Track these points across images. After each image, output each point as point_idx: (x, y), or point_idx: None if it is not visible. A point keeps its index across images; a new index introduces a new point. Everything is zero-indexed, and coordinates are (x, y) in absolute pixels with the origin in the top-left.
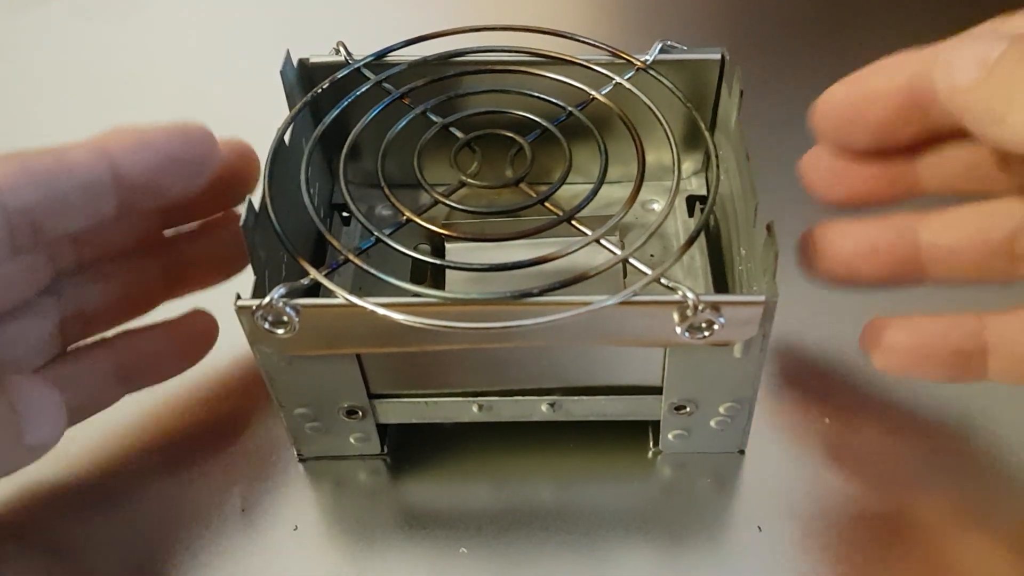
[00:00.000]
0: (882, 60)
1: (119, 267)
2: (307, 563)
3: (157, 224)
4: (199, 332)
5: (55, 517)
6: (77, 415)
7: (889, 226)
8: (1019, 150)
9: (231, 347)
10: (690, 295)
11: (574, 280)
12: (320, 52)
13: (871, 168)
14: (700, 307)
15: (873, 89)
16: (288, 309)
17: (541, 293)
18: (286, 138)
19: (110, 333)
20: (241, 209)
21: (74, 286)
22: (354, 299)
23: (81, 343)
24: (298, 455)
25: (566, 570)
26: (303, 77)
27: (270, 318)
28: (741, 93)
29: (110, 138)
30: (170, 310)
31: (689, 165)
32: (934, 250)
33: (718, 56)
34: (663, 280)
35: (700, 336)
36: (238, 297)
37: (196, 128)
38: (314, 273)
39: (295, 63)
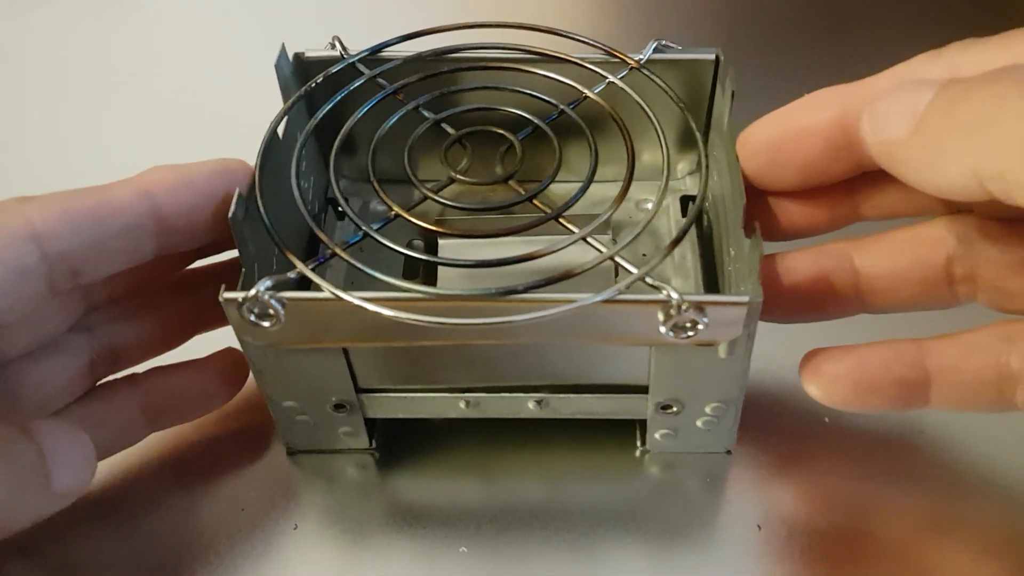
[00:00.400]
0: (808, 96)
1: (152, 302)
2: (303, 559)
3: (190, 258)
4: (229, 370)
5: (55, 518)
6: (102, 454)
7: (827, 253)
8: (957, 198)
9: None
10: (674, 295)
11: (560, 278)
12: (316, 48)
13: (806, 202)
14: (684, 307)
15: (799, 127)
16: (274, 302)
17: (526, 290)
18: (279, 131)
19: (139, 370)
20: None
21: (106, 322)
22: (340, 293)
23: (109, 379)
24: (287, 448)
25: (561, 568)
26: (298, 72)
27: (256, 310)
28: (733, 94)
29: (151, 177)
30: (200, 348)
31: (685, 165)
32: (872, 279)
33: (712, 56)
34: (648, 279)
35: (684, 336)
36: (223, 289)
37: (236, 164)
38: (300, 266)
39: (290, 58)
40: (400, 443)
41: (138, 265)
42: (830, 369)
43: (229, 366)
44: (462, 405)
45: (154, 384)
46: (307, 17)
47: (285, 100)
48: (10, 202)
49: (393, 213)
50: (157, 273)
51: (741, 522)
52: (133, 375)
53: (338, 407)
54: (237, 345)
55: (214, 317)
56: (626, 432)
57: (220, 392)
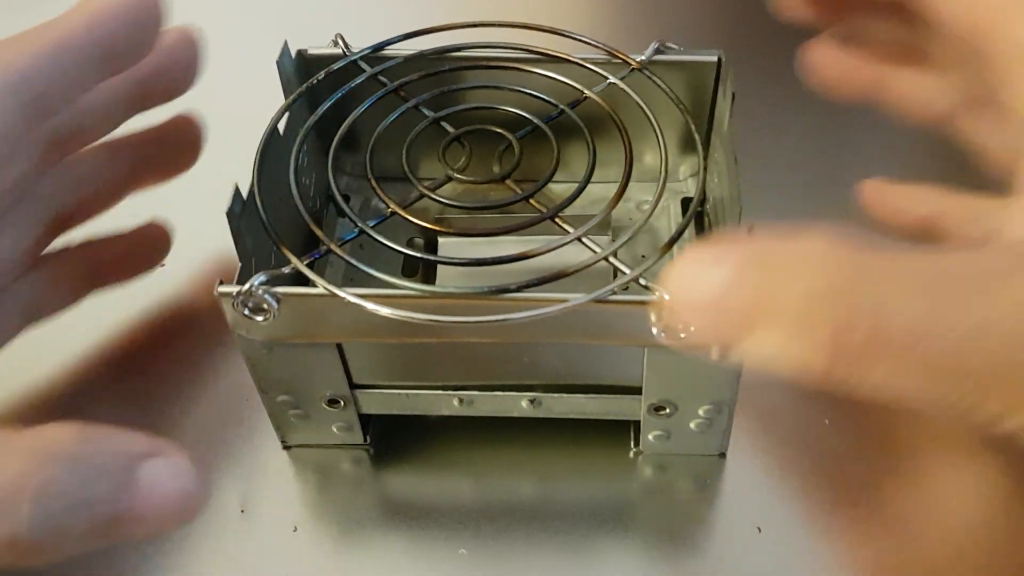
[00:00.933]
0: None
1: (94, 162)
2: (299, 553)
3: (120, 117)
4: (155, 239)
5: None
6: (42, 315)
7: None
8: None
9: (228, 347)
10: (666, 296)
11: (553, 277)
12: (319, 45)
13: None
14: None
15: None
16: (268, 297)
17: (519, 289)
18: (280, 127)
19: (76, 241)
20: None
21: (55, 189)
22: (333, 289)
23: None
24: (282, 443)
25: (552, 568)
26: (300, 69)
27: (250, 304)
28: (733, 96)
29: (87, 6)
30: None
31: (687, 167)
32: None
33: (715, 58)
34: (642, 280)
35: (677, 337)
36: (220, 283)
37: None
38: (295, 262)
39: (293, 55)
40: (395, 439)
41: (82, 120)
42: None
43: (155, 234)
44: (455, 402)
45: (89, 252)
46: (309, 15)
47: (286, 97)
48: None
49: (390, 210)
50: (97, 132)
51: (735, 524)
52: (67, 248)
53: (332, 402)
54: None
55: (143, 178)
56: (620, 433)
57: (148, 258)
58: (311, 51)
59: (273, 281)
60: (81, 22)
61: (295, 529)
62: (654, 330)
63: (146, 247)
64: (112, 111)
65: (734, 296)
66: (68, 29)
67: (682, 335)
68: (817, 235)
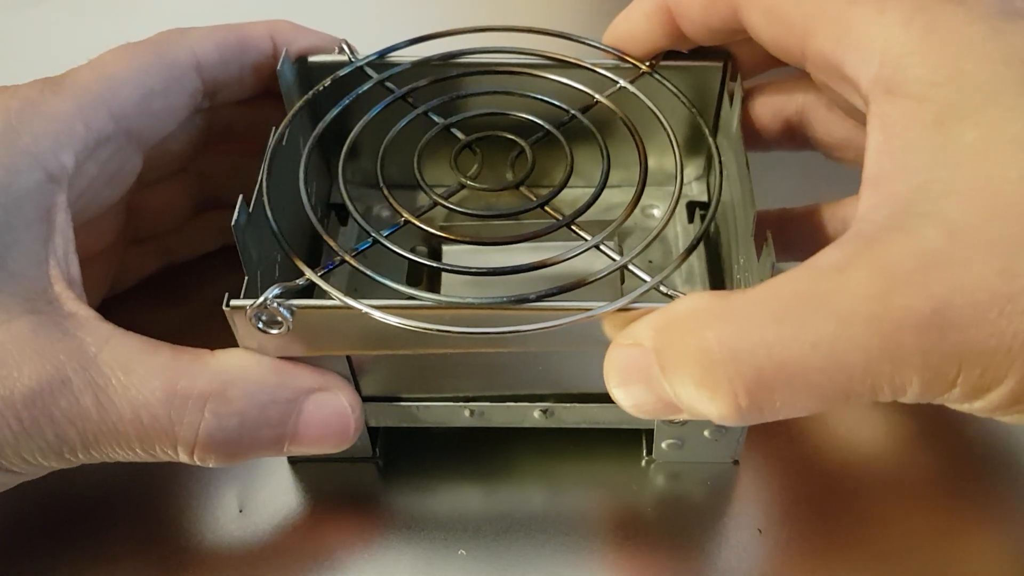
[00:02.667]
0: None
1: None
2: (305, 566)
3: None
4: None
5: (56, 517)
6: (179, 258)
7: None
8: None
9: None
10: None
11: (573, 286)
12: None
13: None
14: None
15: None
16: (282, 310)
17: (539, 299)
18: (284, 136)
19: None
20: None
21: (209, 168)
22: (350, 301)
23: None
24: (288, 457)
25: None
26: (301, 76)
27: (264, 318)
28: (743, 100)
29: (276, 25)
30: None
31: (690, 171)
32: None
33: (721, 62)
34: (662, 288)
35: None
36: (228, 299)
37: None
38: (309, 273)
39: (293, 62)
40: (403, 451)
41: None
42: None
43: None
44: (466, 414)
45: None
46: (313, 21)
47: (287, 104)
48: (173, 34)
49: (403, 219)
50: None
51: (745, 531)
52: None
53: None
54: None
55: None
56: (631, 442)
57: None
58: (312, 58)
59: (286, 294)
60: (266, 31)
61: (294, 529)
62: None
63: None
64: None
65: (655, 378)
66: (252, 35)
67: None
68: (689, 300)
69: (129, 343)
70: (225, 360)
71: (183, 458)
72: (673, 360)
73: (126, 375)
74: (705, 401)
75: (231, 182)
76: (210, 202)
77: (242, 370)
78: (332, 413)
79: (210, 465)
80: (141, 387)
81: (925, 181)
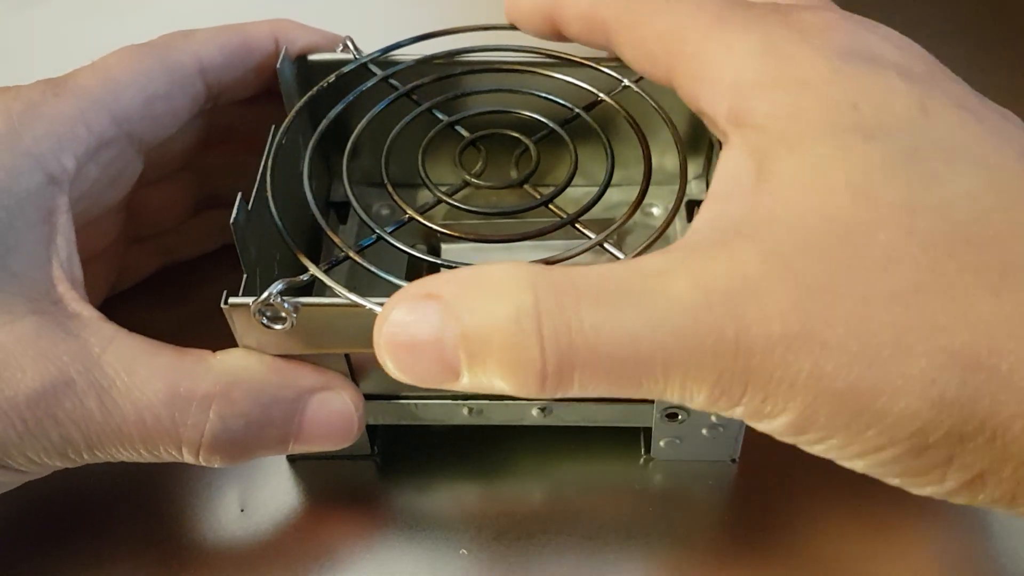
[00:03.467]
0: None
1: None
2: (305, 564)
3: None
4: None
5: (57, 516)
6: (179, 257)
7: None
8: None
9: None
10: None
11: None
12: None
13: None
14: None
15: None
16: (286, 305)
17: None
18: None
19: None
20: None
21: (210, 165)
22: (354, 298)
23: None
24: (287, 456)
25: (564, 575)
26: (301, 74)
27: (268, 314)
28: None
29: (280, 24)
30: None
31: (690, 170)
32: None
33: None
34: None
35: None
36: (227, 296)
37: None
38: (313, 269)
39: (293, 60)
40: (402, 449)
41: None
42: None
43: None
44: (465, 412)
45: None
46: (317, 19)
47: (287, 103)
48: (177, 37)
49: (407, 216)
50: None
51: (745, 530)
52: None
53: None
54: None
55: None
56: (630, 440)
57: None
58: (312, 56)
59: (290, 290)
60: (269, 32)
61: (295, 528)
62: None
63: None
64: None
65: (449, 336)
66: (256, 35)
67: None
68: (508, 264)
69: (133, 344)
70: (227, 361)
71: (188, 459)
72: (478, 320)
73: (129, 376)
74: (506, 369)
75: (231, 180)
76: (210, 200)
77: (245, 370)
78: (336, 411)
79: (215, 466)
80: (144, 388)
81: (753, 205)
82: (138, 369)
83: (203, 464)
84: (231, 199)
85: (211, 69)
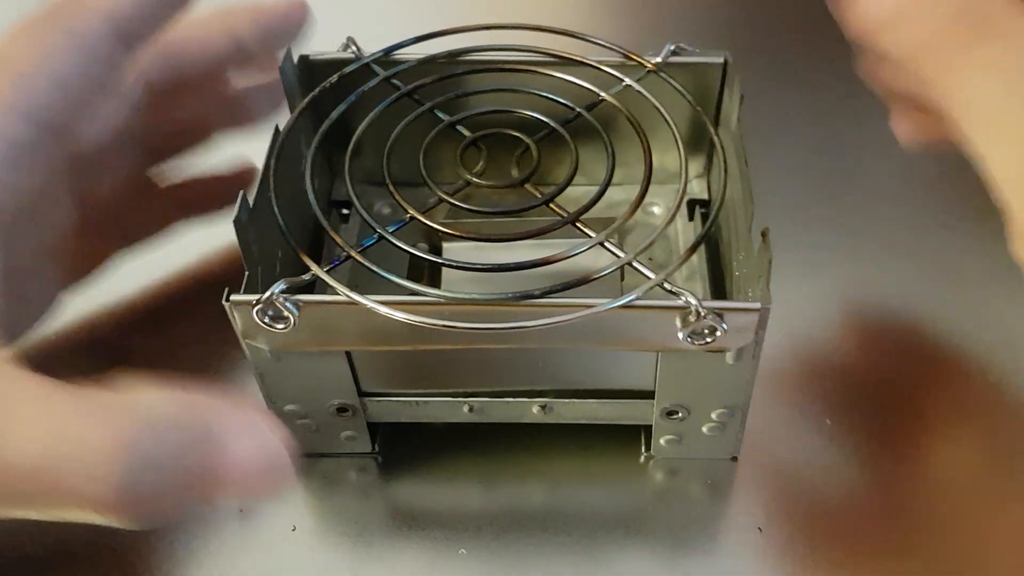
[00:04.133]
0: None
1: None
2: (305, 563)
3: (221, 72)
4: (240, 176)
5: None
6: (136, 239)
7: None
8: None
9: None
10: (692, 300)
11: (577, 283)
12: (324, 50)
13: None
14: (703, 313)
15: None
16: (288, 305)
17: (543, 295)
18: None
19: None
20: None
21: (148, 130)
22: (356, 297)
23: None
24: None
25: (567, 573)
26: (304, 74)
27: (270, 313)
28: (742, 98)
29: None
30: None
31: (691, 170)
32: None
33: (721, 60)
34: (666, 285)
35: (702, 342)
36: (228, 293)
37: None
38: (316, 269)
39: (295, 60)
40: (403, 447)
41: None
42: None
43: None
44: (465, 410)
45: (180, 187)
46: (319, 18)
47: (290, 102)
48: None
49: (408, 216)
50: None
51: (744, 527)
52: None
53: (340, 411)
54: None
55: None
56: (630, 437)
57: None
58: (314, 56)
59: (292, 289)
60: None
61: (294, 529)
62: (680, 335)
63: (232, 183)
64: (213, 67)
65: None
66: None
67: (708, 339)
68: None
69: (27, 387)
70: (132, 400)
71: (95, 517)
72: None
73: (20, 424)
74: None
75: (178, 141)
76: (159, 156)
77: (150, 411)
78: (258, 448)
79: (127, 527)
80: (33, 438)
81: None
82: (30, 415)
83: (116, 524)
84: (182, 153)
85: (122, 21)
